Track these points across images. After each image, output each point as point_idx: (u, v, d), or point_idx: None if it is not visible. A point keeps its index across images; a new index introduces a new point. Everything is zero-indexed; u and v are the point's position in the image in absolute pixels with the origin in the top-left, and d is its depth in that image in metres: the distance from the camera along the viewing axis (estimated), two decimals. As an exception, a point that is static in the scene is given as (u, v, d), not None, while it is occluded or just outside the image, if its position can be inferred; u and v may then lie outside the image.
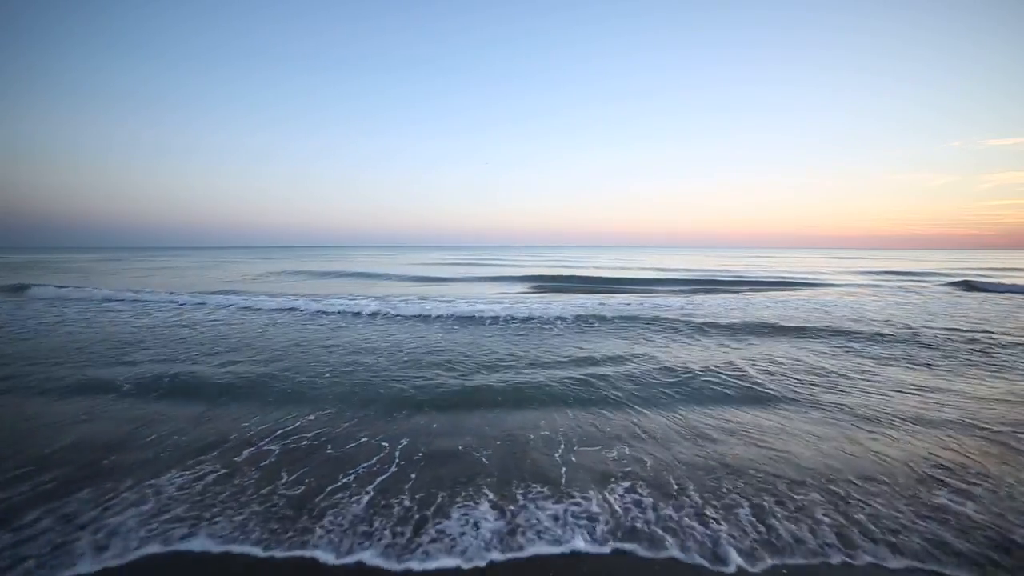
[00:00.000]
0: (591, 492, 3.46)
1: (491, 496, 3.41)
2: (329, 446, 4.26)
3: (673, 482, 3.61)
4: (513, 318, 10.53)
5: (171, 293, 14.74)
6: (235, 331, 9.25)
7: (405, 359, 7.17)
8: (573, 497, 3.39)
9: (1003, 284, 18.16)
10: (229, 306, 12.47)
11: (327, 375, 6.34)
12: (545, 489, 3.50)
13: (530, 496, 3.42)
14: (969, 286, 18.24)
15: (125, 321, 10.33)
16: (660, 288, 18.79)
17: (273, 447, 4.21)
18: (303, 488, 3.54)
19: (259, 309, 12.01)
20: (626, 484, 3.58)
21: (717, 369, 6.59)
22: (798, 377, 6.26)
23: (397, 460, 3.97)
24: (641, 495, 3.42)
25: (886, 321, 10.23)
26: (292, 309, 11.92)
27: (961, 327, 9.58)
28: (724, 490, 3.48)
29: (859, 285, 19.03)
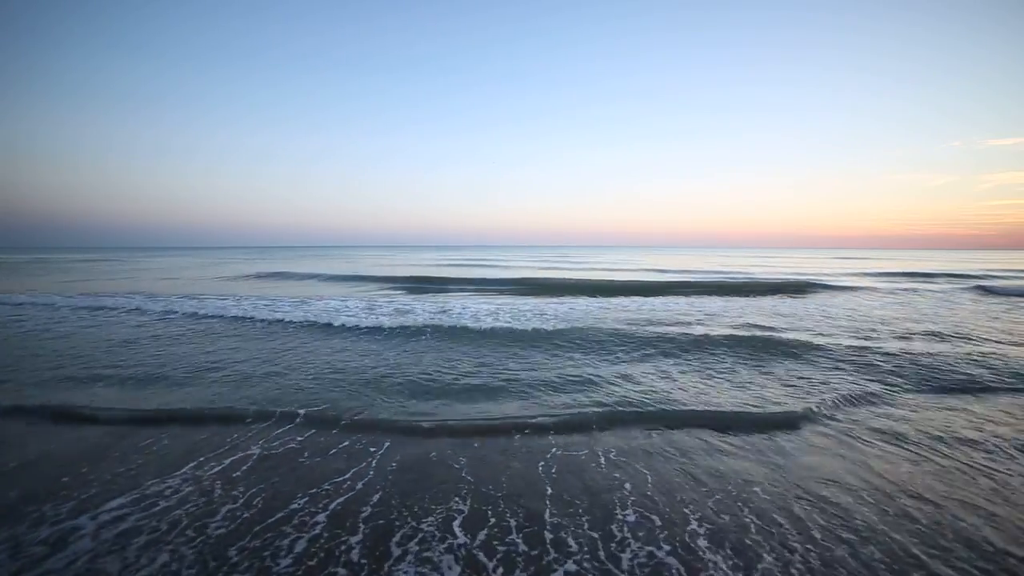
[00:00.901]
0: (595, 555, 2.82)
1: None
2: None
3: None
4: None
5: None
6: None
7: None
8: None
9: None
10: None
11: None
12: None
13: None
14: (985, 290, 17.33)
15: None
16: (673, 292, 17.61)
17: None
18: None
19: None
20: (631, 518, 2.97)
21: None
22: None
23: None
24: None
25: (925, 333, 9.23)
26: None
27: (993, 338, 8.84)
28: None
29: (878, 289, 17.84)
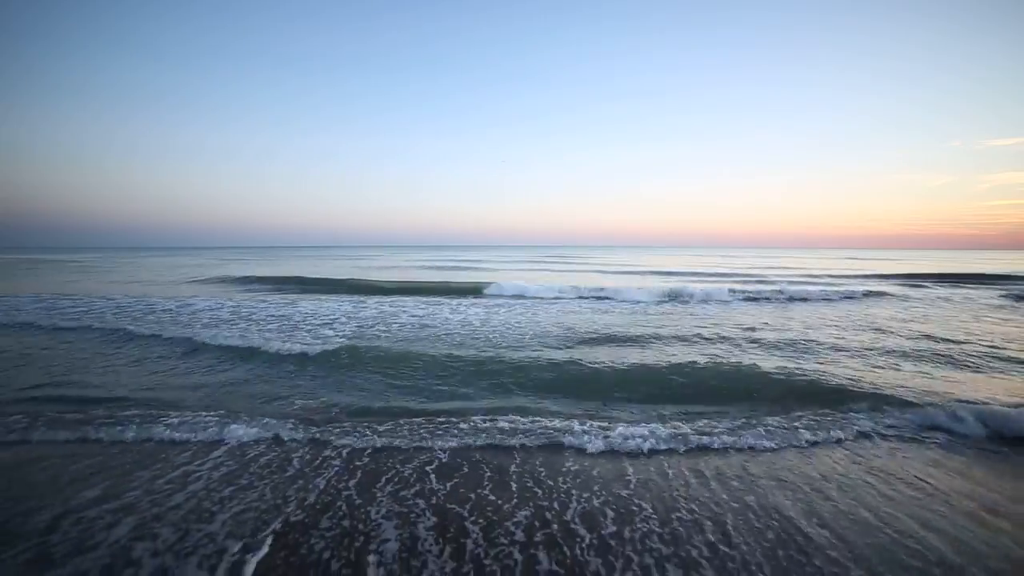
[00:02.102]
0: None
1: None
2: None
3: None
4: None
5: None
6: None
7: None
8: None
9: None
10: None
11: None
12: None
13: None
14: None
15: None
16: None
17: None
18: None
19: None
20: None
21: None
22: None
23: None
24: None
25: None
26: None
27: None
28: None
29: (913, 297, 16.24)
